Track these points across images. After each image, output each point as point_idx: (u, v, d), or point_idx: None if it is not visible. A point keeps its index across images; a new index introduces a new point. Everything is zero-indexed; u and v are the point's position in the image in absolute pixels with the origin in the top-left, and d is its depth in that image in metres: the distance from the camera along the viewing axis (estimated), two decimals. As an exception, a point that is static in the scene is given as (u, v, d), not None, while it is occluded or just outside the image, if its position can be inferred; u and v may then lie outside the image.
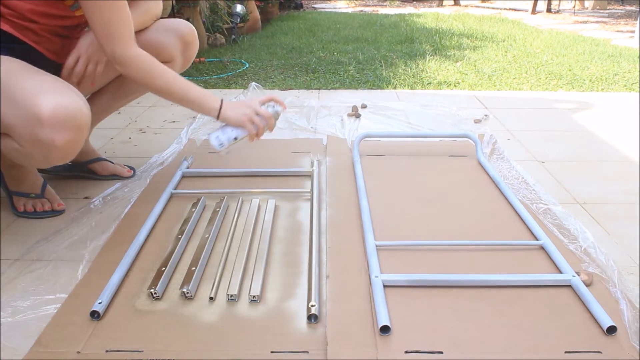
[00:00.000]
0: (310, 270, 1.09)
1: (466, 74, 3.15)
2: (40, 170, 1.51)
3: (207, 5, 4.42)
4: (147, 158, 1.74)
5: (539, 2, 7.60)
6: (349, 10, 8.32)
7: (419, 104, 2.42)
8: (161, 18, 1.54)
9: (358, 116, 2.23)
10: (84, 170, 1.58)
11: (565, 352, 0.88)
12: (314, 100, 2.49)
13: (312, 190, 1.45)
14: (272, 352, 0.88)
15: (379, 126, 2.12)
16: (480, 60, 3.60)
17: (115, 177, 1.60)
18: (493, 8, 8.36)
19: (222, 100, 1.32)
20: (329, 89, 2.81)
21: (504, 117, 2.27)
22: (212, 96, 1.32)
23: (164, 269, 1.08)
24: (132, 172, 1.63)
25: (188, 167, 1.63)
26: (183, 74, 3.03)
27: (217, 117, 1.32)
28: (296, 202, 1.42)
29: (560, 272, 1.09)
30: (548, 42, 4.44)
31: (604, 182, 1.60)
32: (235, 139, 1.36)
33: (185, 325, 0.95)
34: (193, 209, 1.35)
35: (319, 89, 2.81)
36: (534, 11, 7.46)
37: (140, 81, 1.25)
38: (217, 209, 1.34)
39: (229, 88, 2.84)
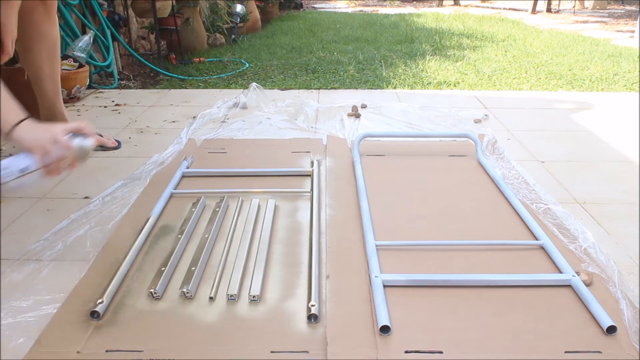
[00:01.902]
0: (310, 270, 1.08)
1: (466, 74, 3.15)
2: None
3: (207, 5, 4.42)
4: (147, 158, 1.74)
5: (539, 2, 7.60)
6: (349, 10, 8.32)
7: (419, 104, 2.42)
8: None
9: (358, 116, 2.22)
10: None
11: (565, 352, 0.88)
12: (314, 100, 2.48)
13: (312, 190, 1.45)
14: (272, 352, 0.88)
15: (379, 126, 2.12)
16: (480, 60, 3.60)
17: (101, 148, 1.77)
18: (493, 8, 8.36)
19: (27, 118, 1.07)
20: (329, 89, 2.81)
21: (504, 117, 2.27)
22: (15, 109, 1.08)
23: (164, 269, 1.08)
24: (117, 144, 1.82)
25: (188, 167, 1.63)
26: (184, 74, 3.02)
27: (8, 134, 1.06)
28: (296, 202, 1.42)
29: (560, 272, 1.09)
30: (548, 42, 4.44)
31: (604, 182, 1.60)
32: (22, 170, 1.04)
33: (185, 325, 0.94)
34: (193, 209, 1.35)
35: (319, 88, 2.81)
36: (534, 11, 7.46)
37: None
38: (217, 209, 1.34)
39: (229, 88, 2.84)
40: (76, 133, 1.10)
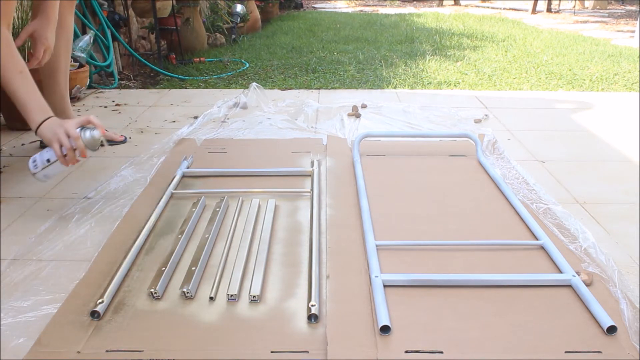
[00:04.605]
0: (310, 270, 1.09)
1: (466, 74, 3.15)
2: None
3: (207, 5, 4.42)
4: (148, 158, 1.74)
5: (539, 2, 7.60)
6: (349, 10, 8.32)
7: (419, 103, 2.42)
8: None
9: (358, 116, 2.22)
10: None
11: (565, 352, 0.88)
12: (314, 100, 2.48)
13: (312, 190, 1.45)
14: (272, 352, 0.88)
15: (379, 126, 2.12)
16: (480, 60, 3.60)
17: (110, 142, 1.85)
18: (493, 8, 8.36)
19: (50, 117, 1.29)
20: (329, 89, 2.81)
21: (504, 117, 2.27)
22: (43, 109, 1.30)
23: (164, 268, 1.08)
24: (124, 138, 1.89)
25: (188, 167, 1.63)
26: (184, 74, 3.04)
27: (35, 132, 1.29)
28: (296, 202, 1.42)
29: (561, 271, 1.09)
30: (548, 42, 4.44)
31: (604, 182, 1.60)
32: (48, 160, 1.30)
33: (185, 325, 0.94)
34: (193, 209, 1.35)
35: (319, 88, 2.81)
36: (534, 11, 7.46)
37: None
38: (217, 209, 1.34)
39: (229, 88, 2.84)
40: (85, 126, 1.31)
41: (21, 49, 1.93)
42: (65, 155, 1.28)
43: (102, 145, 1.35)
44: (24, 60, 1.51)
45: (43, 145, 1.85)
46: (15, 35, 1.63)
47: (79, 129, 1.29)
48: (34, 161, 1.31)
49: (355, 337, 0.91)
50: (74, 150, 1.28)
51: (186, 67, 3.32)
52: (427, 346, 0.89)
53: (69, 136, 1.27)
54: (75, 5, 2.69)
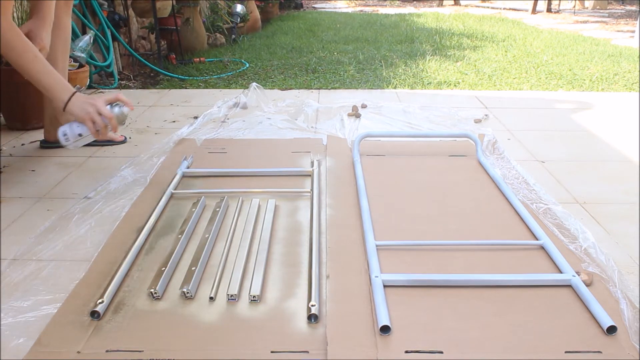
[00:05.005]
0: (310, 270, 1.08)
1: (466, 74, 3.15)
2: (48, 144, 1.84)
3: (207, 5, 4.43)
4: (148, 158, 1.74)
5: (539, 2, 7.60)
6: (349, 10, 8.32)
7: (419, 103, 2.42)
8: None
9: (358, 116, 2.22)
10: None
11: (565, 352, 0.88)
12: (314, 100, 2.48)
13: (312, 190, 1.45)
14: (272, 352, 0.88)
15: (379, 126, 2.12)
16: (480, 60, 3.60)
17: (110, 142, 1.87)
18: (493, 8, 8.36)
19: (73, 93, 1.35)
20: (329, 89, 2.81)
21: (504, 117, 2.27)
22: (65, 87, 1.36)
23: (164, 269, 1.08)
24: (124, 138, 1.91)
25: (188, 167, 1.63)
26: (184, 74, 3.03)
27: (64, 109, 1.36)
28: (296, 202, 1.42)
29: (561, 272, 1.09)
30: (548, 42, 4.44)
31: (604, 182, 1.60)
32: (80, 135, 1.39)
33: (185, 325, 0.94)
34: (193, 209, 1.35)
35: (319, 88, 2.81)
36: (534, 11, 7.46)
37: (1, 53, 1.33)
38: (217, 209, 1.34)
39: (229, 88, 2.84)
40: (114, 103, 1.39)
41: None
42: (97, 131, 1.37)
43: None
44: None
45: (43, 146, 1.85)
46: None
47: (108, 107, 1.38)
48: (65, 134, 1.38)
49: (355, 337, 0.91)
50: (106, 126, 1.37)
51: (186, 67, 3.32)
52: (427, 346, 0.89)
53: (100, 114, 1.35)
54: (75, 5, 2.70)
